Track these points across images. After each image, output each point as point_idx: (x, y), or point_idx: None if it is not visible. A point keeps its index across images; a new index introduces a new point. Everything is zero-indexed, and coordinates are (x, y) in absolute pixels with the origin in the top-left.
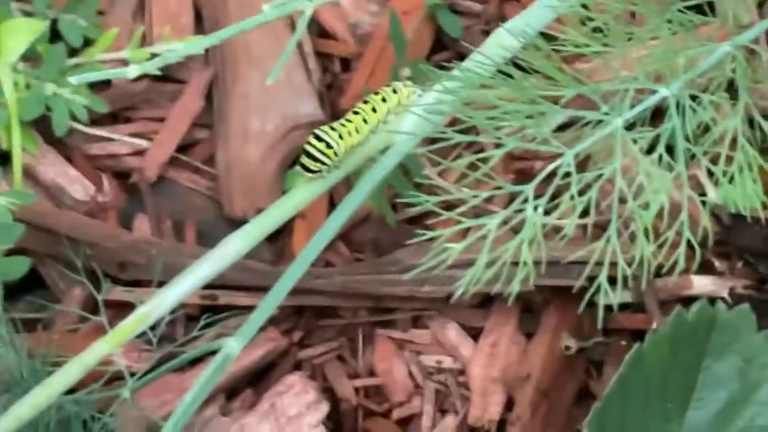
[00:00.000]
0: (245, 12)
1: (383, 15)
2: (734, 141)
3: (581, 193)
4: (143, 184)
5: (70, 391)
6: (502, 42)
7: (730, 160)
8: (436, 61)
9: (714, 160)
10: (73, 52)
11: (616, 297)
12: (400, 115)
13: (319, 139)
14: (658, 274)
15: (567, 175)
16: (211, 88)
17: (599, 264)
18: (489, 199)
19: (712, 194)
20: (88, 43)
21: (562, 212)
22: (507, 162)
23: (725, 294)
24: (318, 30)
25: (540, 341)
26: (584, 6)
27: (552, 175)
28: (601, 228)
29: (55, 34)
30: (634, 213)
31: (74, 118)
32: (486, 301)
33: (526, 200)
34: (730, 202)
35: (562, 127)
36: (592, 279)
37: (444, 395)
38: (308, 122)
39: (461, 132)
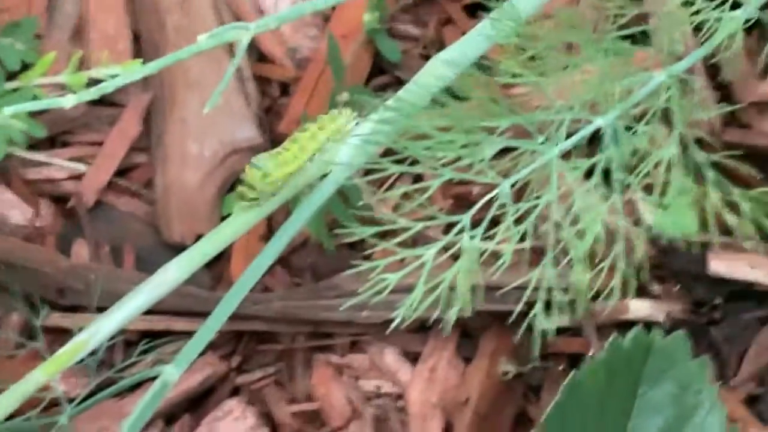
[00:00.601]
0: (183, 37)
1: (322, 39)
2: (669, 168)
3: (519, 220)
4: (81, 208)
5: (7, 418)
6: (437, 71)
7: (665, 186)
8: (375, 86)
9: (651, 186)
10: (10, 76)
11: (554, 322)
12: (337, 143)
13: (255, 167)
14: (595, 298)
15: (503, 205)
16: (150, 113)
17: (537, 289)
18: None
19: (649, 220)
20: (25, 67)
21: (499, 239)
22: (445, 187)
23: (662, 318)
24: (257, 54)
25: (478, 366)
26: (519, 35)
27: (489, 202)
28: (539, 252)
29: None
30: (569, 242)
31: (11, 142)
32: (424, 326)
33: (462, 230)
34: (665, 228)
35: (499, 154)
36: (529, 304)
37: (383, 420)
38: (247, 147)
39: (398, 161)
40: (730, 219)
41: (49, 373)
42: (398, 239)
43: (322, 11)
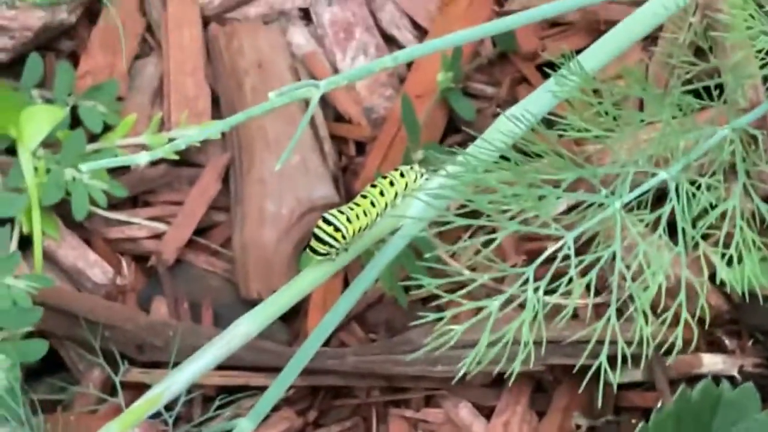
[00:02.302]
0: (261, 98)
1: (397, 99)
2: (740, 223)
3: (585, 273)
4: (161, 266)
5: None
6: (505, 127)
7: (737, 241)
8: (449, 144)
9: (716, 246)
10: (92, 138)
11: (626, 375)
12: (407, 198)
13: (327, 222)
14: (668, 352)
15: (567, 257)
16: (228, 172)
17: (604, 342)
18: (501, 280)
19: (722, 273)
20: (107, 128)
21: (567, 293)
22: (518, 243)
23: (735, 372)
24: (333, 114)
25: (551, 420)
26: (583, 92)
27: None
28: (608, 307)
29: (75, 120)
30: (634, 294)
31: (93, 202)
32: (498, 380)
33: (527, 281)
34: (738, 282)
35: (566, 211)
36: (600, 358)
37: None
38: (323, 205)
39: (468, 215)
40: None
41: (124, 425)
42: (466, 290)
43: (397, 72)
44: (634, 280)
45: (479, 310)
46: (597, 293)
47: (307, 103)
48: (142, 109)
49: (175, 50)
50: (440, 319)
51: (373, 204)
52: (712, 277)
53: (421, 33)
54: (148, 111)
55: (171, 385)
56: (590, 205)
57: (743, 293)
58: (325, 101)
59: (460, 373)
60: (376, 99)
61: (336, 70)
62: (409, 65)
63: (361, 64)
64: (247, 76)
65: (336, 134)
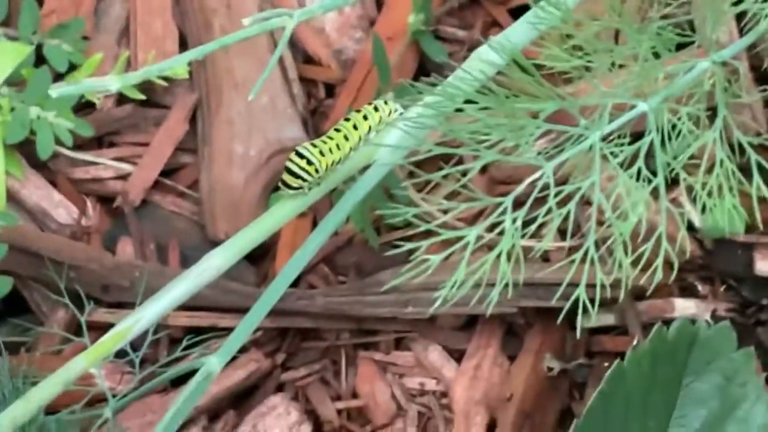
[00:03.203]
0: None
1: (367, 42)
2: (713, 166)
3: (559, 209)
4: (127, 207)
5: (53, 411)
6: (485, 58)
7: (711, 186)
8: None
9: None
10: (57, 77)
11: (599, 319)
12: (383, 131)
13: (300, 155)
14: (640, 297)
15: (547, 188)
16: (196, 113)
17: (577, 285)
18: (472, 223)
19: (695, 218)
20: (73, 68)
21: (543, 233)
22: (490, 186)
23: (707, 317)
24: (302, 56)
25: (523, 363)
26: (563, 22)
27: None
28: (584, 253)
29: (40, 59)
30: (612, 224)
31: (58, 142)
32: (469, 324)
33: (504, 212)
34: (711, 228)
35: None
36: (576, 301)
37: (427, 417)
38: (292, 147)
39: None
40: None
41: (90, 359)
42: (439, 222)
43: (367, 14)
44: (613, 214)
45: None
46: (571, 237)
47: (275, 43)
48: (108, 48)
49: None
50: (412, 252)
51: (346, 138)
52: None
53: None
54: (114, 51)
55: (140, 319)
56: (568, 140)
57: (717, 239)
58: (294, 44)
59: (434, 306)
60: (346, 41)
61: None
62: (380, 7)
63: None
64: (216, 15)
65: (305, 76)
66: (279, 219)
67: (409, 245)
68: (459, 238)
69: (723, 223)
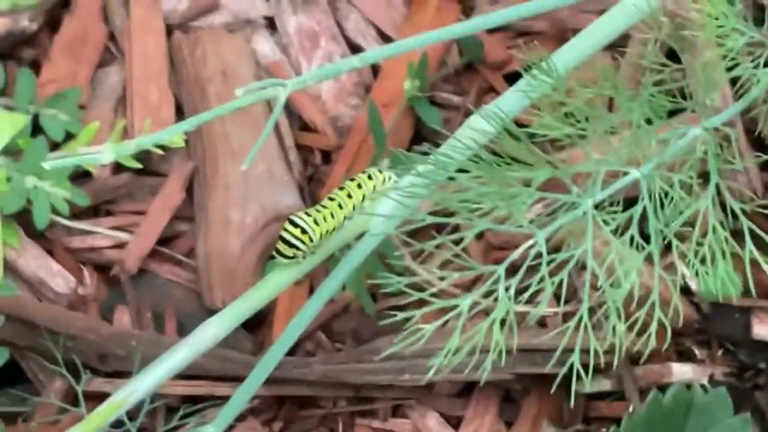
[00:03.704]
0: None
1: (363, 108)
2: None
3: (554, 275)
4: (124, 276)
5: None
6: (477, 127)
7: (703, 247)
8: (415, 153)
9: (689, 247)
10: (54, 147)
11: (596, 385)
12: (375, 201)
13: (294, 224)
14: (637, 361)
15: (539, 256)
16: (192, 181)
17: (573, 351)
18: (469, 289)
19: (692, 283)
20: (69, 137)
21: (537, 299)
22: (487, 252)
23: (705, 381)
24: (299, 123)
25: (520, 430)
26: (555, 91)
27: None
28: (579, 319)
29: (36, 129)
30: (606, 292)
31: (55, 211)
32: (466, 390)
33: (498, 281)
34: (707, 292)
35: (537, 214)
36: (572, 367)
37: None
38: (288, 214)
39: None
40: None
41: (87, 430)
42: (435, 289)
43: (363, 81)
44: (606, 281)
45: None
46: (566, 302)
47: (271, 110)
48: (104, 117)
49: (138, 58)
50: (408, 321)
51: (340, 206)
52: (681, 287)
53: (387, 42)
54: (110, 119)
55: (136, 389)
56: (561, 207)
57: (713, 303)
58: (290, 110)
59: (430, 374)
60: (342, 108)
61: None
62: (376, 74)
63: None
64: (211, 84)
65: (302, 143)
66: (275, 288)
67: (404, 314)
68: (454, 306)
69: (716, 288)
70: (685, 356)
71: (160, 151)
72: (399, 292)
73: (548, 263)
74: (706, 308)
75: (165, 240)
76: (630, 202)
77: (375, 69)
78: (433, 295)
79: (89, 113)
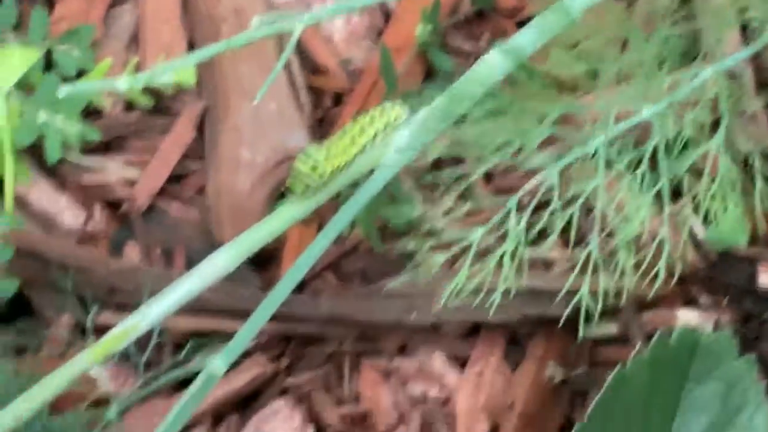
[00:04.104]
0: None
1: (375, 52)
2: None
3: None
4: (134, 213)
5: (57, 412)
6: (492, 62)
7: (714, 195)
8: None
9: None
10: (67, 83)
11: (602, 329)
12: (388, 137)
13: (306, 158)
14: (644, 308)
15: (550, 191)
16: (203, 121)
17: (583, 292)
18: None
19: (699, 231)
20: (81, 73)
21: (550, 244)
22: (491, 191)
23: (710, 327)
24: (311, 66)
25: (525, 371)
26: (571, 29)
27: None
28: (586, 262)
29: (49, 64)
30: (615, 230)
31: (66, 146)
32: (472, 332)
33: (509, 213)
34: (715, 240)
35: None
36: (579, 311)
37: (429, 424)
38: (298, 153)
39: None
40: None
41: (95, 356)
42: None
43: (375, 24)
44: (616, 217)
45: (454, 260)
46: (575, 246)
47: (283, 50)
48: (117, 55)
49: None
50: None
51: (352, 141)
52: (689, 234)
53: None
54: (123, 58)
55: (143, 318)
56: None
57: (720, 251)
58: (302, 53)
59: (438, 309)
60: (354, 51)
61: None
62: (388, 18)
63: (339, 18)
64: (224, 23)
65: (313, 85)
66: (284, 221)
67: (413, 243)
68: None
69: (726, 235)
70: (691, 303)
71: (171, 90)
72: (409, 232)
73: (558, 198)
74: (713, 256)
75: (175, 178)
76: (641, 145)
77: (387, 13)
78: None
79: (102, 51)
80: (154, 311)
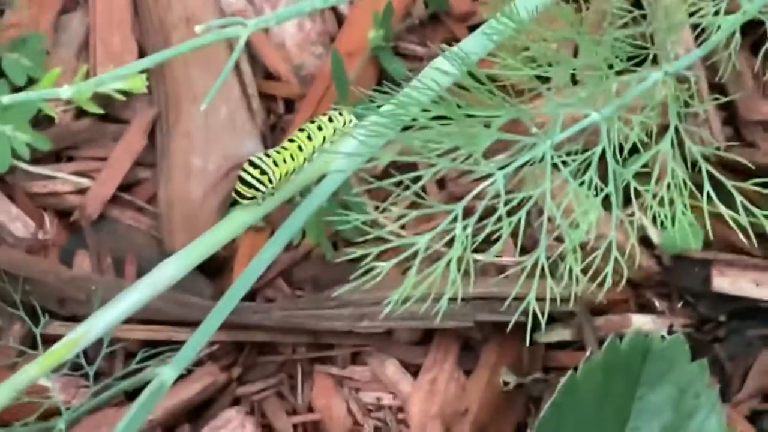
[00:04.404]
0: (189, 53)
1: (327, 57)
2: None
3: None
4: (85, 221)
5: (5, 424)
6: (440, 68)
7: (664, 199)
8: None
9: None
10: (16, 91)
11: (555, 334)
12: (336, 143)
13: (253, 165)
14: (598, 312)
15: (497, 197)
16: (155, 128)
17: (537, 300)
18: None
19: (653, 235)
20: (32, 81)
21: (497, 250)
22: (443, 193)
23: (664, 332)
24: (263, 71)
25: (479, 377)
26: (518, 33)
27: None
28: (537, 265)
29: None
30: (563, 233)
31: (16, 156)
32: (425, 338)
33: (455, 220)
34: (668, 244)
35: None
36: (532, 315)
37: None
38: None
39: (398, 164)
40: (726, 213)
41: (42, 367)
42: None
43: (327, 30)
44: (564, 221)
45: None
46: (525, 251)
47: (236, 64)
48: (67, 63)
49: (101, 4)
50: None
51: (300, 148)
52: (642, 239)
53: None
54: (73, 66)
55: (91, 328)
56: (522, 150)
57: (674, 255)
58: (254, 59)
59: (387, 314)
60: (306, 56)
61: (265, 28)
62: (340, 23)
63: (291, 24)
64: (175, 31)
65: (265, 92)
66: (233, 229)
67: (361, 251)
68: (413, 251)
69: (678, 240)
70: (645, 308)
71: (122, 97)
72: (360, 241)
73: (506, 204)
74: (666, 260)
75: (126, 186)
76: (590, 149)
77: (339, 18)
78: (389, 235)
79: (52, 59)
80: (103, 320)
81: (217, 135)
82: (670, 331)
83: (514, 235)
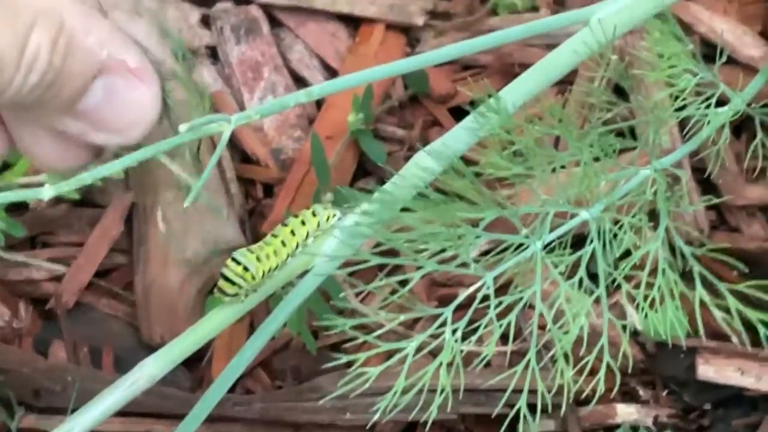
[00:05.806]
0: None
1: (307, 141)
2: (656, 268)
3: (503, 316)
4: (60, 309)
5: None
6: (423, 165)
7: (652, 287)
8: (359, 187)
9: (637, 288)
10: None
11: (540, 426)
12: (319, 239)
13: (237, 262)
14: (582, 402)
15: (487, 298)
16: (131, 214)
17: (520, 392)
18: (412, 326)
19: (636, 322)
20: (7, 166)
21: (483, 339)
22: (430, 289)
23: (649, 422)
24: (241, 155)
25: None
26: (503, 129)
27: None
28: (523, 356)
29: None
30: (554, 337)
31: None
32: (409, 429)
33: (444, 323)
34: (653, 332)
35: (484, 254)
36: (516, 407)
37: None
38: (229, 248)
39: (382, 257)
40: (719, 315)
41: None
42: (380, 332)
43: (306, 113)
44: (554, 324)
45: (391, 356)
46: (513, 340)
47: (213, 141)
48: None
49: None
50: (351, 364)
51: (284, 243)
52: (625, 326)
53: (331, 74)
54: None
55: (72, 428)
56: (508, 248)
57: (658, 343)
58: (232, 142)
59: (376, 415)
60: (285, 140)
61: (243, 110)
62: (319, 106)
63: None
64: None
65: (243, 176)
66: (215, 326)
67: (347, 358)
68: (398, 348)
69: (663, 330)
70: (629, 397)
71: (98, 183)
72: (341, 331)
73: (496, 306)
74: (651, 348)
75: (103, 273)
76: (579, 238)
77: (318, 101)
78: (377, 336)
79: None
80: (81, 423)
81: (195, 221)
82: (656, 422)
83: (500, 324)
